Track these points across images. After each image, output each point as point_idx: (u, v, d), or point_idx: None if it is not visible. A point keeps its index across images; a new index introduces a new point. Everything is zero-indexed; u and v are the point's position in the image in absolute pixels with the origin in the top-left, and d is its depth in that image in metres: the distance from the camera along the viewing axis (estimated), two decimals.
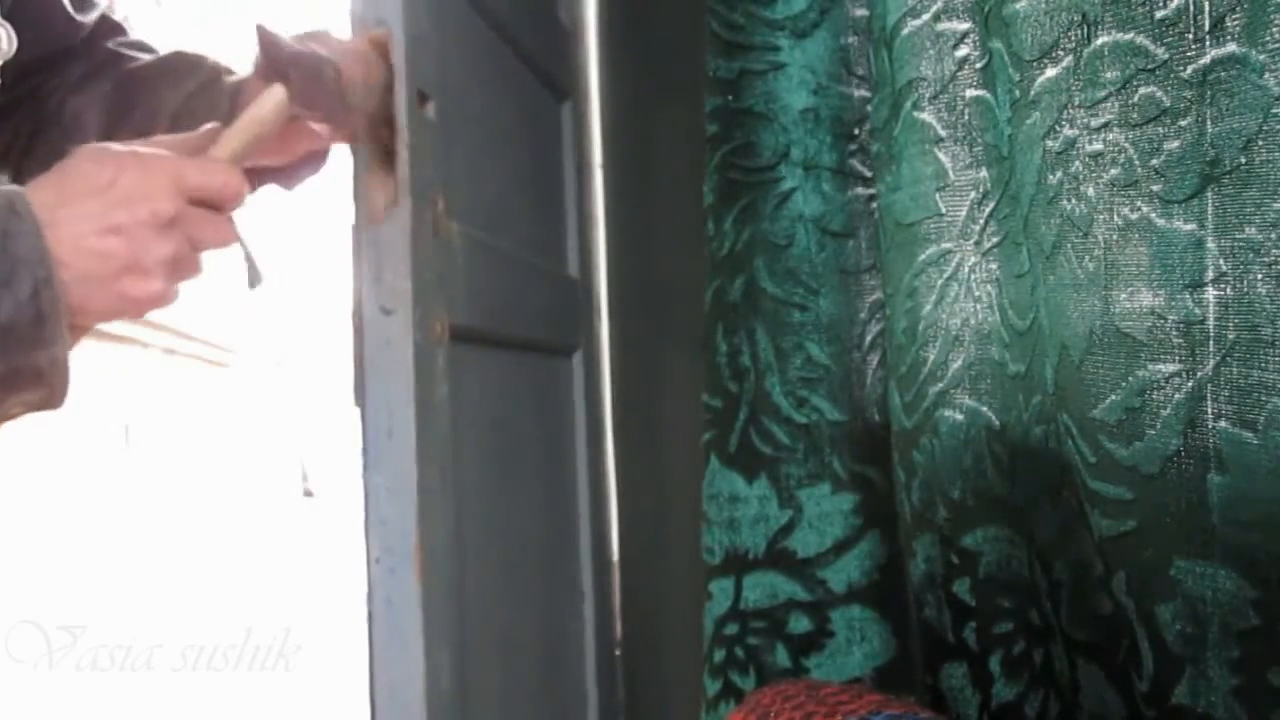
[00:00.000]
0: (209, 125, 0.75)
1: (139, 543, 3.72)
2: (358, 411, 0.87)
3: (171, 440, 4.29)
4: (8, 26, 0.77)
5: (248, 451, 5.91)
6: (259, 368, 6.52)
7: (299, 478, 8.19)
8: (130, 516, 3.68)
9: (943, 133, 0.85)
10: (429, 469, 0.87)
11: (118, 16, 0.93)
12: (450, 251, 0.95)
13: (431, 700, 0.85)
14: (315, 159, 0.87)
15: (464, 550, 0.96)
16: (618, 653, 1.57)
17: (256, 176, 0.83)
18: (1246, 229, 0.59)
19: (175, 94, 0.83)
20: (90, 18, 0.89)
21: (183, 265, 0.68)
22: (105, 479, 3.47)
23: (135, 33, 0.93)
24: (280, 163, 0.83)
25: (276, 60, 0.72)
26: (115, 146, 0.67)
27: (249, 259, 0.82)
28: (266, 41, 0.72)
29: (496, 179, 1.18)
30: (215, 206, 0.69)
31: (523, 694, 1.19)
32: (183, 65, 0.87)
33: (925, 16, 0.86)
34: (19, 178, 0.77)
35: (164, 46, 0.92)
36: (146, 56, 0.89)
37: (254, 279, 0.83)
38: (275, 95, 0.72)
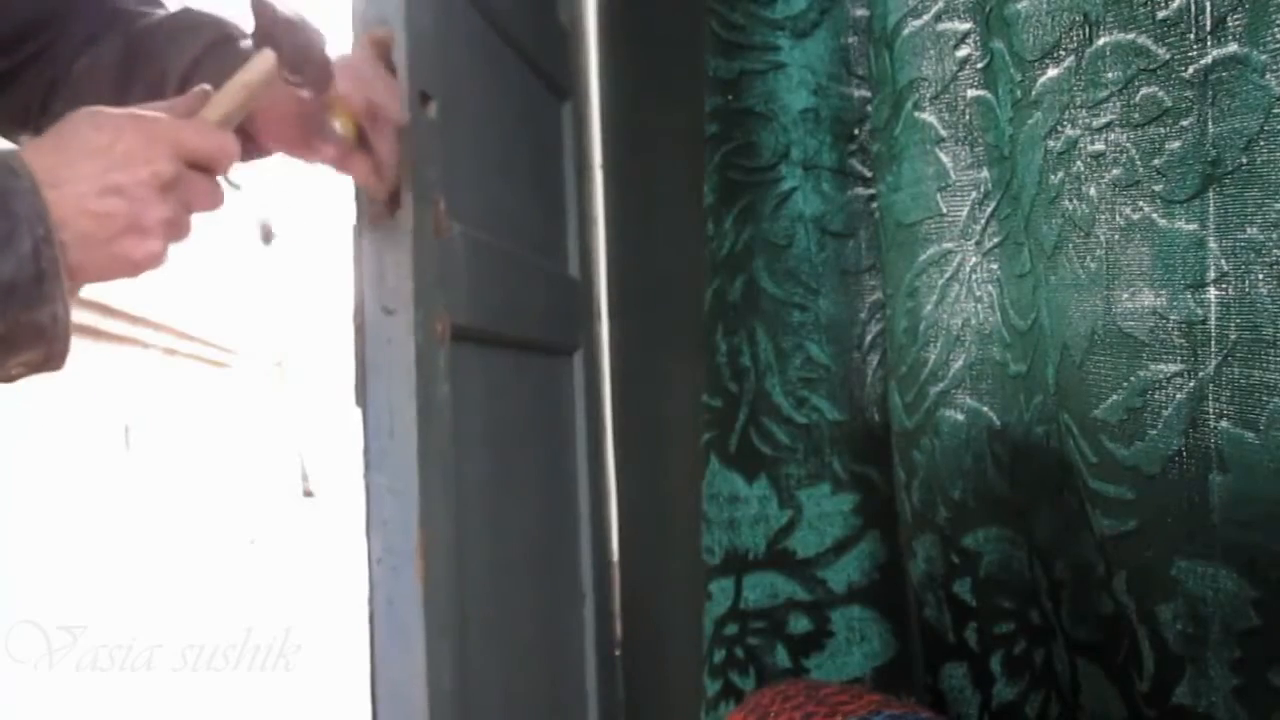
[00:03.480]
0: (199, 88, 0.75)
1: (139, 543, 3.72)
2: (359, 412, 0.86)
3: (171, 440, 4.28)
4: None
5: (248, 451, 5.91)
6: (259, 368, 6.52)
7: (299, 478, 8.18)
8: (130, 517, 3.68)
9: (944, 133, 0.85)
10: (431, 469, 0.87)
11: None
12: (452, 252, 0.94)
13: (433, 699, 0.85)
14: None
15: (465, 550, 0.96)
16: (618, 653, 1.57)
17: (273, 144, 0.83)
18: (1248, 229, 0.59)
19: (183, 56, 0.84)
20: None
21: (178, 227, 0.68)
22: (105, 479, 3.47)
23: None
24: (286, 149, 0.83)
25: (268, 25, 0.73)
26: (112, 110, 0.68)
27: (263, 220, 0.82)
28: (259, 7, 0.73)
29: (498, 179, 1.17)
30: (209, 169, 0.69)
31: (523, 693, 1.19)
32: (191, 25, 0.87)
33: (926, 17, 0.85)
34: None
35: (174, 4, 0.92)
36: (155, 13, 0.89)
37: (267, 235, 0.83)
38: (265, 59, 0.73)
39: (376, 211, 0.86)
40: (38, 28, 0.86)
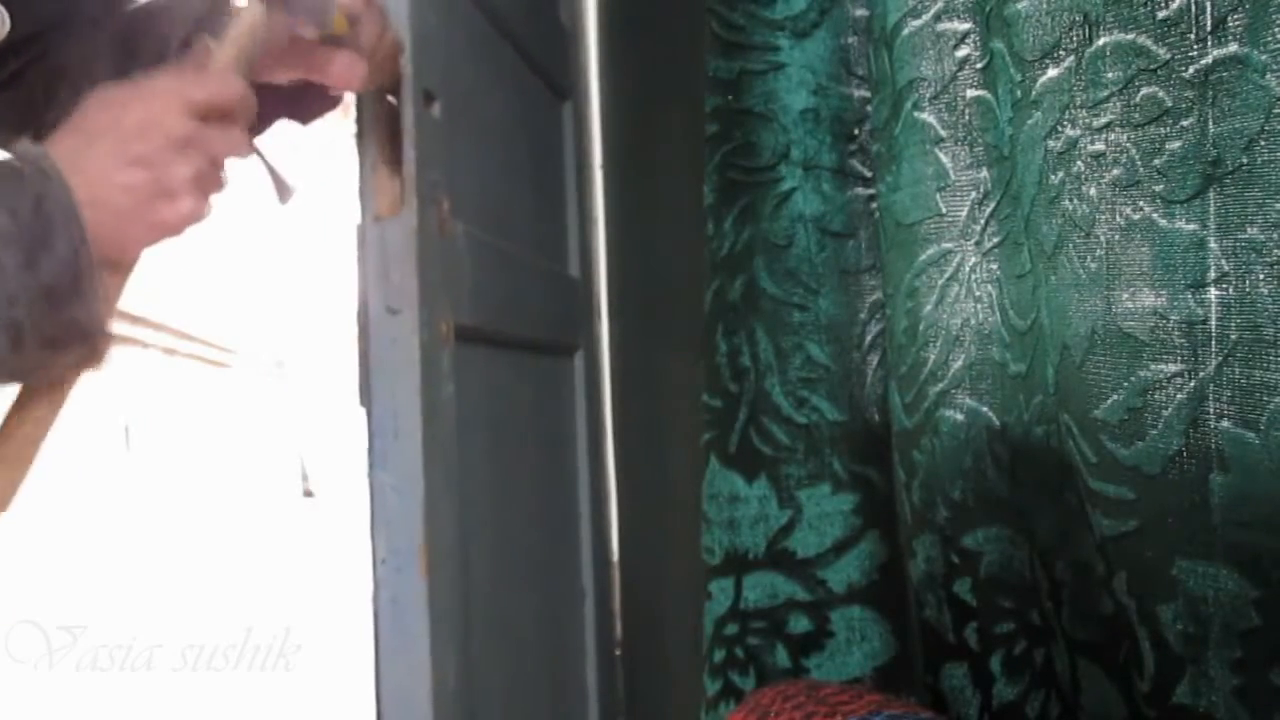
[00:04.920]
0: (200, 44, 0.75)
1: (139, 543, 3.72)
2: (363, 411, 0.86)
3: (171, 441, 4.28)
4: (1, 8, 0.78)
5: (248, 451, 5.91)
6: (259, 367, 6.52)
7: (299, 478, 8.18)
8: (130, 517, 3.68)
9: (943, 133, 0.85)
10: (434, 469, 0.87)
11: None
12: (455, 251, 0.94)
13: (438, 698, 0.85)
14: (326, 93, 0.86)
15: (468, 549, 0.96)
16: (618, 653, 1.57)
17: (270, 111, 0.83)
18: (1248, 229, 0.59)
19: (181, 25, 0.84)
20: None
21: (207, 181, 0.70)
22: (105, 479, 3.47)
23: None
24: (286, 82, 0.82)
25: None
26: (117, 87, 0.69)
27: (273, 174, 0.82)
28: None
29: (499, 179, 1.18)
30: (226, 119, 0.70)
31: (525, 693, 1.19)
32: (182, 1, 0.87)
33: (926, 17, 0.85)
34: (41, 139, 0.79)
35: None
36: None
37: (283, 194, 0.83)
38: (253, 7, 0.73)
39: (380, 210, 0.86)
40: (49, 29, 0.86)
